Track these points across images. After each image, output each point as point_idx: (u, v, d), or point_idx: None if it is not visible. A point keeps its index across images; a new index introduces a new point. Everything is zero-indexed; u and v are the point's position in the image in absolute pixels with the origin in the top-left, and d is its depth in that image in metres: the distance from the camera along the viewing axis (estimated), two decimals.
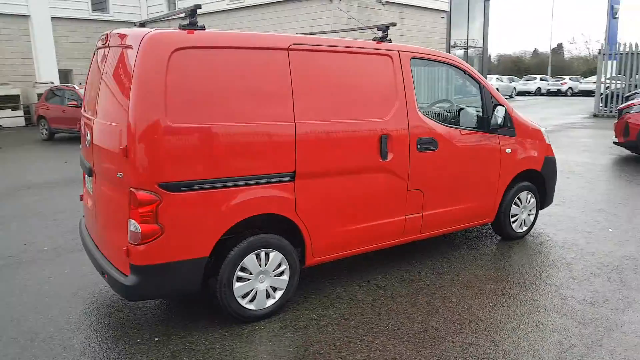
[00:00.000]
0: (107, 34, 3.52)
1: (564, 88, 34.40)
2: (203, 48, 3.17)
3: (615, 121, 9.43)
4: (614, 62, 18.16)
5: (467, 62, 17.96)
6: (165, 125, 3.02)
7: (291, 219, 3.55)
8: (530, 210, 5.17)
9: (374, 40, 4.06)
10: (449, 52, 23.85)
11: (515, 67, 49.17)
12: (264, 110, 3.38)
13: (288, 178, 3.48)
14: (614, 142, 9.30)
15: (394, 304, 3.77)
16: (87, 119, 3.72)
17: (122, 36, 3.29)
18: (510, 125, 4.69)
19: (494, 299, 3.82)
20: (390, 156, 3.93)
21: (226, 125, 3.23)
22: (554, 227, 5.48)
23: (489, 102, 4.60)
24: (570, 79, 35.46)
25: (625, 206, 6.27)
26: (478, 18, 28.33)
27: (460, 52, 26.32)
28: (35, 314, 3.72)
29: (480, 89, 4.61)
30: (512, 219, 5.02)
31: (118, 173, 3.12)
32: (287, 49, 3.49)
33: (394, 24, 4.06)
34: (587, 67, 47.97)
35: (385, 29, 4.08)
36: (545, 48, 60.21)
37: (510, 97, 31.89)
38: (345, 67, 3.79)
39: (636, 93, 12.67)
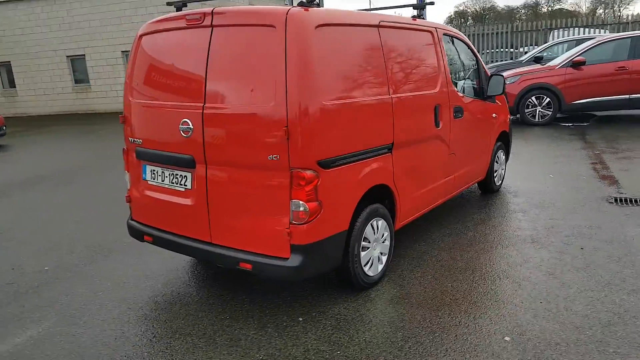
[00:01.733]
0: (202, 14, 3.27)
1: None
2: (333, 25, 3.25)
3: None
4: None
5: None
6: (320, 104, 3.05)
7: (391, 187, 3.80)
8: (502, 166, 6.12)
9: (412, 17, 4.43)
10: None
11: None
12: (375, 84, 3.57)
13: (386, 150, 3.72)
14: None
15: (466, 254, 4.29)
16: (177, 107, 3.41)
17: (248, 15, 3.15)
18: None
19: (538, 236, 4.59)
20: (441, 124, 4.40)
21: (357, 100, 3.37)
22: (512, 179, 6.53)
23: (484, 73, 5.35)
24: None
25: (542, 158, 7.68)
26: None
27: None
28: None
29: (477, 62, 5.32)
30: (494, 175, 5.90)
31: (271, 156, 3.04)
32: (378, 26, 3.70)
33: (432, 3, 4.51)
34: None
35: (422, 6, 4.50)
36: None
37: None
38: (409, 43, 4.11)
39: None
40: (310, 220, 3.06)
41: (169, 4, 3.96)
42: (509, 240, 4.52)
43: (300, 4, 3.19)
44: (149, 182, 3.75)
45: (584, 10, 52.66)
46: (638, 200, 5.41)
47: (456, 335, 3.07)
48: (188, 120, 3.33)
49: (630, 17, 17.46)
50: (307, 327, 3.27)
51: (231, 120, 3.19)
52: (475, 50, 5.33)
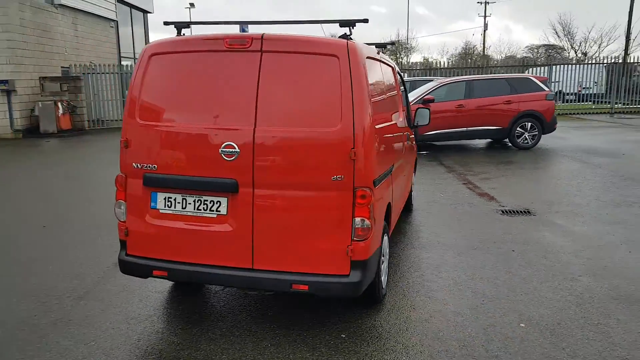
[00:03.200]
0: (250, 38, 3.25)
1: None
2: (370, 58, 3.56)
3: None
4: None
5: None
6: (373, 127, 3.31)
7: (390, 204, 4.17)
8: (414, 187, 6.95)
9: (377, 52, 4.92)
10: (120, 63, 23.50)
11: None
12: (384, 111, 3.96)
13: (390, 171, 4.10)
14: None
15: (431, 262, 4.85)
16: (216, 130, 3.29)
17: (307, 44, 3.25)
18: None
19: (473, 244, 5.39)
20: (405, 149, 4.97)
21: (384, 125, 3.73)
22: (413, 197, 7.41)
23: (408, 105, 6.10)
24: None
25: (422, 180, 8.80)
26: (139, 30, 28.52)
27: (130, 62, 25.82)
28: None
29: (406, 94, 6.05)
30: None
31: (335, 176, 3.16)
32: (380, 60, 4.12)
33: (392, 43, 5.06)
34: None
35: (384, 45, 5.02)
36: None
37: None
38: (387, 75, 4.57)
39: None
40: (368, 236, 3.26)
41: (166, 23, 3.77)
42: (457, 249, 5.23)
43: (343, 37, 3.42)
44: (161, 211, 3.47)
45: None
46: (520, 211, 6.70)
47: (485, 329, 3.56)
48: (233, 144, 3.24)
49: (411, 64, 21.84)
50: (356, 341, 3.41)
51: (289, 143, 3.22)
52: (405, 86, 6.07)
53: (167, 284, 4.32)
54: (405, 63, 43.46)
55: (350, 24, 3.47)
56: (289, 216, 3.28)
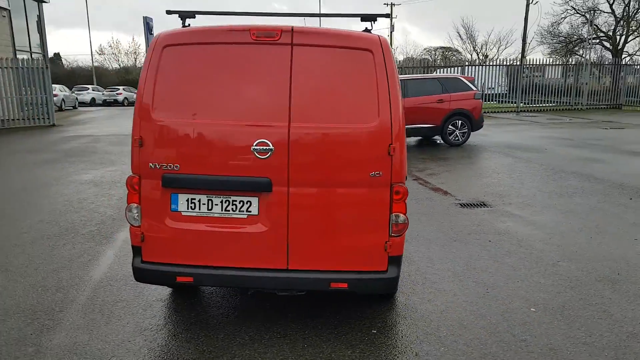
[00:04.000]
0: (280, 30, 3.12)
1: (120, 98, 36.12)
2: None
3: None
4: None
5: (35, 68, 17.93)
6: (404, 122, 3.33)
7: None
8: None
9: None
10: (16, 57, 21.36)
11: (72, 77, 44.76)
12: None
13: None
14: None
15: (416, 255, 5.00)
16: (247, 126, 3.12)
17: (341, 38, 3.18)
18: None
19: (453, 236, 5.62)
20: None
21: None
22: None
23: None
24: (124, 89, 37.44)
25: None
26: (34, 21, 26.11)
27: (26, 56, 23.56)
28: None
29: None
30: None
31: (374, 172, 3.14)
32: None
33: None
34: (121, 78, 50.78)
35: None
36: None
37: (75, 107, 31.09)
38: None
39: None
40: (403, 232, 3.28)
41: (169, 12, 3.53)
42: (438, 242, 5.43)
43: (366, 30, 3.41)
44: (184, 213, 3.24)
45: None
46: (477, 204, 7.09)
47: (502, 315, 3.73)
48: (267, 141, 3.10)
49: None
50: (389, 335, 3.44)
51: (326, 139, 3.15)
52: None
53: (165, 292, 4.04)
54: None
55: (371, 18, 3.47)
56: (326, 214, 3.21)
